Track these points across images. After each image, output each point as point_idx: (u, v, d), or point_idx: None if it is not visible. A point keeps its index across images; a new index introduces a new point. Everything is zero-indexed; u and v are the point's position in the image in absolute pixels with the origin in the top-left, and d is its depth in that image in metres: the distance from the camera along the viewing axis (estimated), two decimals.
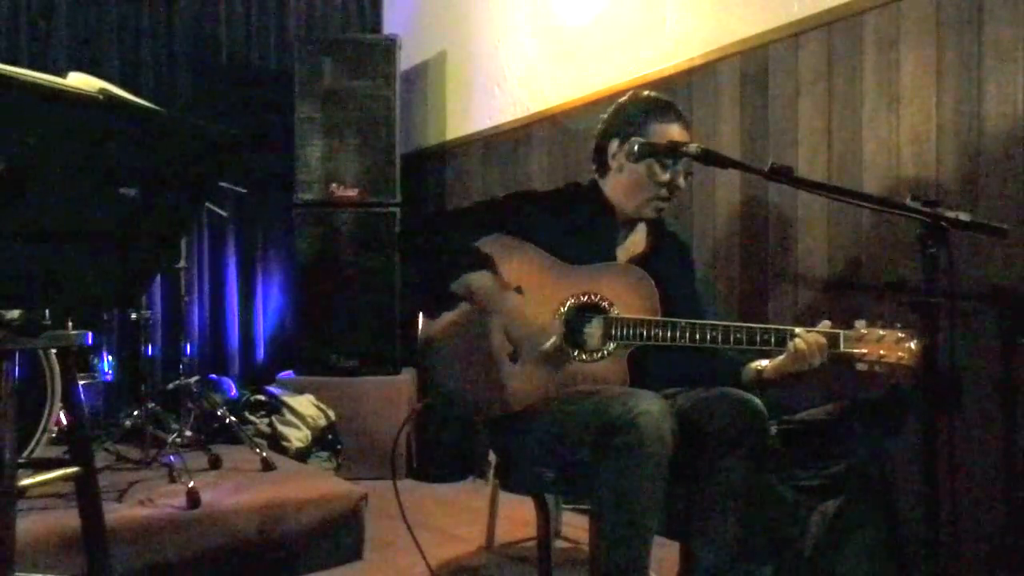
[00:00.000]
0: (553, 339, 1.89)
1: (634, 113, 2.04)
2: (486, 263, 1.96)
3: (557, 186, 2.20)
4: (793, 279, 2.58)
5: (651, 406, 1.68)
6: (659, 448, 1.67)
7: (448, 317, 2.00)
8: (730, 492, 1.82)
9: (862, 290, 2.39)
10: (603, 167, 2.10)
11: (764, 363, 1.94)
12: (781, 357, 1.88)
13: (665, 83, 3.03)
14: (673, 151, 1.88)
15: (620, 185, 2.06)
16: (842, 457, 2.07)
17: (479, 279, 1.94)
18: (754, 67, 2.73)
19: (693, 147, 1.84)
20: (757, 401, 1.86)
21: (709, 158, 1.85)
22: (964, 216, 1.59)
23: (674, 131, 1.99)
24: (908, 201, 1.63)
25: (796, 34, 2.58)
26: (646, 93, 2.09)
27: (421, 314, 2.04)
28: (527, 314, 1.92)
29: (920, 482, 1.60)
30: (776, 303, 2.62)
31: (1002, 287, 2.07)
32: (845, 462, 2.06)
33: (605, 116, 2.10)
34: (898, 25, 2.32)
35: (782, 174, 1.70)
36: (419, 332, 2.04)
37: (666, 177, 2.00)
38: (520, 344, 1.93)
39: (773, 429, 2.05)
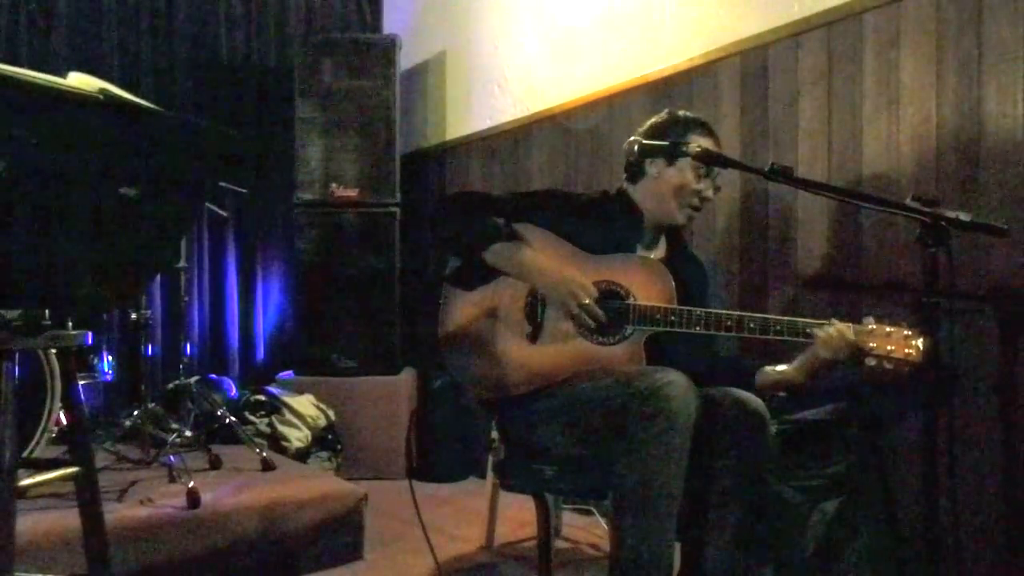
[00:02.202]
0: (589, 297, 1.90)
1: (673, 127, 2.07)
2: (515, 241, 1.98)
3: (588, 192, 2.23)
4: (793, 279, 2.58)
5: (676, 377, 1.72)
6: (686, 418, 1.69)
7: (467, 298, 2.03)
8: (731, 492, 1.83)
9: (862, 290, 2.39)
10: (637, 174, 2.13)
11: (783, 367, 1.95)
12: (802, 355, 1.89)
13: (665, 83, 3.03)
14: (672, 152, 1.91)
15: (654, 190, 2.10)
16: (842, 457, 2.07)
17: (513, 248, 1.96)
18: (754, 67, 2.73)
19: (693, 146, 1.85)
20: (758, 401, 1.87)
21: (709, 158, 1.85)
22: (964, 216, 1.60)
23: (707, 145, 2.01)
24: (908, 201, 1.63)
25: (796, 34, 2.58)
26: (682, 112, 2.14)
27: (445, 286, 2.07)
28: (560, 275, 1.93)
29: (920, 482, 1.60)
30: (776, 303, 2.62)
31: (1002, 287, 2.07)
32: (845, 462, 2.07)
33: (641, 130, 2.12)
34: (898, 25, 2.32)
35: (782, 174, 1.71)
36: (439, 313, 2.06)
37: (700, 186, 2.06)
38: (544, 319, 1.95)
39: (773, 429, 2.05)
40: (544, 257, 1.96)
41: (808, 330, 1.83)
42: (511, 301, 2.00)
